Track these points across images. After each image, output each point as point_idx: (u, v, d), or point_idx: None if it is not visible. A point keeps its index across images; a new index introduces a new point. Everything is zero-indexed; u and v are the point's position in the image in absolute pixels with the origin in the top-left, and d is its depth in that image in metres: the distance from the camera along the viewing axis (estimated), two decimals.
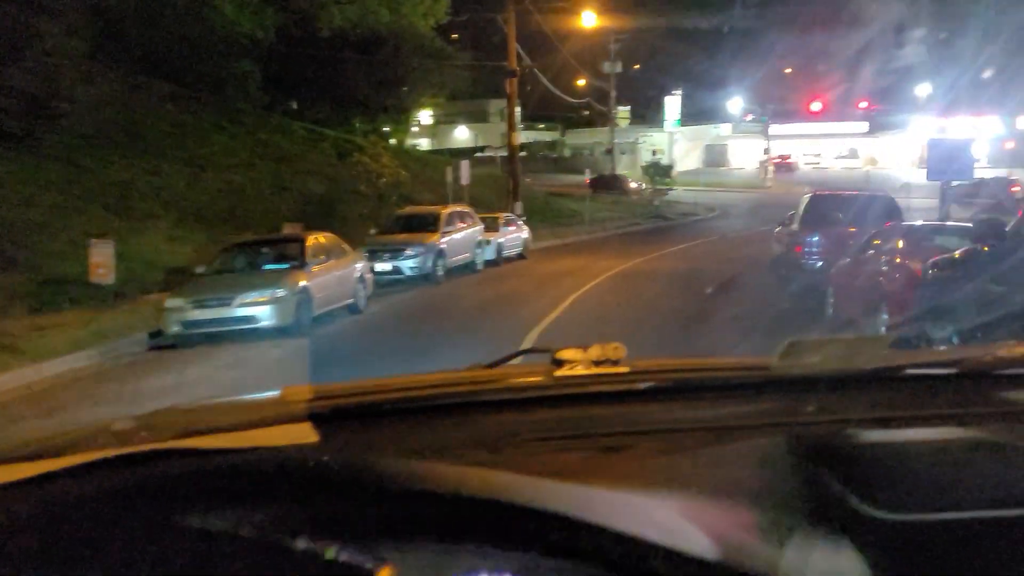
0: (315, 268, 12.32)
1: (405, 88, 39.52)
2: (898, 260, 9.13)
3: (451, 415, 1.26)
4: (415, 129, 72.13)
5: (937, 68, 56.52)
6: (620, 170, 59.41)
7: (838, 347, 1.43)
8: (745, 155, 66.09)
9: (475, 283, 18.25)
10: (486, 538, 0.78)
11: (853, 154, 63.44)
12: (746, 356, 1.83)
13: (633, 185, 49.65)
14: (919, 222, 12.32)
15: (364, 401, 1.32)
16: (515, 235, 22.88)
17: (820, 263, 13.89)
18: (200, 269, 12.35)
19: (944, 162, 14.96)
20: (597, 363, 1.37)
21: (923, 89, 58.56)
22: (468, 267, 19.45)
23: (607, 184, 49.14)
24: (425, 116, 74.50)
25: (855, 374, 1.33)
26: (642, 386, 1.37)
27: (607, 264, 19.95)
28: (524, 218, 25.37)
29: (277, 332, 11.20)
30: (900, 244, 9.80)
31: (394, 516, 0.79)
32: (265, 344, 11.06)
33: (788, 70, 62.45)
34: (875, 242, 10.80)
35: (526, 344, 8.81)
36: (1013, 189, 36.73)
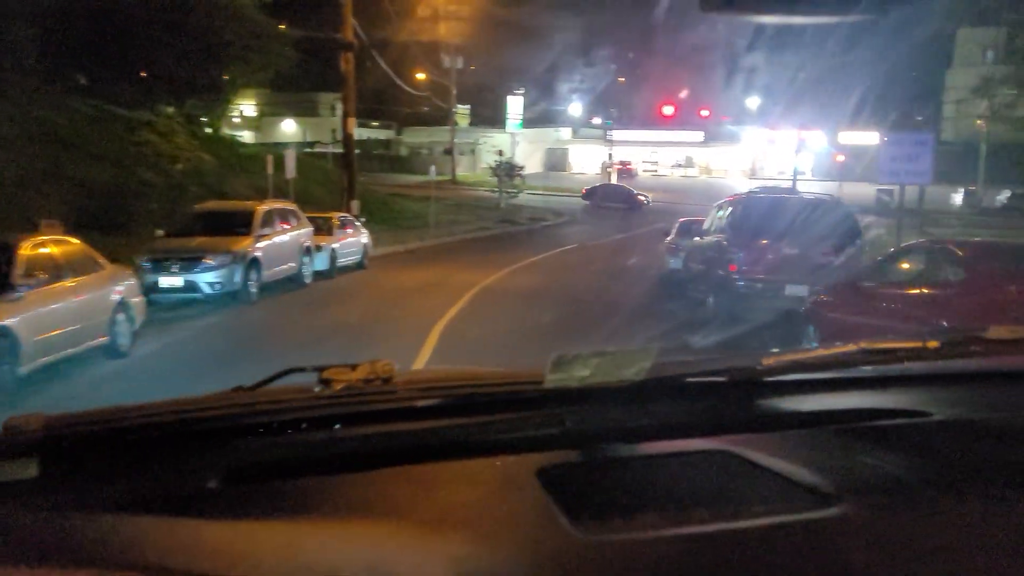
0: (33, 295, 7.48)
1: (226, 77, 33.87)
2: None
3: (198, 441, 1.19)
4: (237, 120, 65.45)
5: (771, 83, 56.68)
6: (460, 172, 55.73)
7: (607, 359, 1.30)
8: (585, 160, 64.00)
9: (302, 304, 13.68)
10: None
11: (689, 163, 62.82)
12: (519, 369, 1.45)
13: (641, 198, 42.89)
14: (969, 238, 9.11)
15: (99, 430, 1.18)
16: (352, 240, 18.37)
17: (761, 286, 10.44)
18: None
19: (899, 162, 11.97)
20: (366, 382, 1.31)
21: (754, 102, 58.61)
22: (293, 281, 14.83)
23: (610, 195, 41.98)
24: (249, 109, 68.15)
25: (623, 386, 1.28)
26: (408, 404, 1.32)
27: (467, 278, 15.92)
28: (363, 220, 20.91)
29: None
30: (967, 276, 6.32)
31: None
32: None
33: (622, 80, 61.05)
34: (897, 265, 7.33)
35: None
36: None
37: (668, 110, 33.92)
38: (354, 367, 1.32)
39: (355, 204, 22.44)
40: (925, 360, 1.51)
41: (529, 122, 58.79)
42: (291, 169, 21.81)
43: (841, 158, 46.28)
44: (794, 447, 1.23)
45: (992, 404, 1.48)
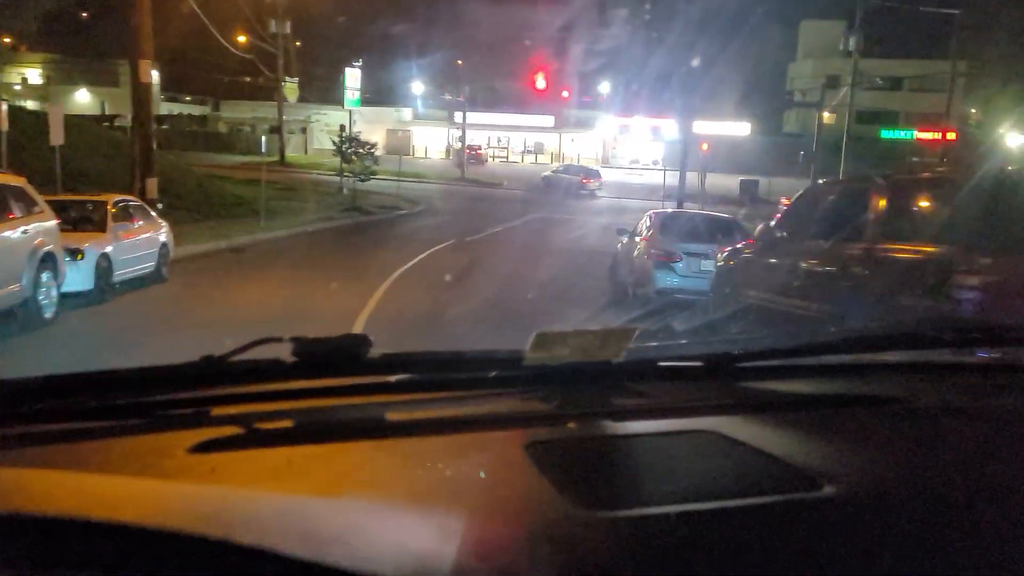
0: None
1: None
2: None
3: (166, 409, 1.16)
4: (18, 88, 54.20)
5: (623, 69, 52.93)
6: (290, 153, 47.96)
7: (587, 339, 1.27)
8: (430, 143, 57.74)
9: (16, 371, 6.83)
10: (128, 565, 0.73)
11: (539, 148, 57.95)
12: (498, 348, 1.36)
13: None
14: None
15: (58, 396, 1.14)
16: (143, 238, 11.40)
17: None
18: None
19: None
20: (343, 354, 1.24)
21: (606, 87, 54.59)
22: (12, 317, 7.90)
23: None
24: (35, 75, 56.95)
25: (602, 366, 1.27)
26: (389, 379, 1.29)
27: (336, 304, 9.63)
28: (162, 205, 13.92)
29: None
30: None
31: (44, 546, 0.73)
32: None
33: (460, 62, 55.31)
34: None
35: None
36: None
37: (540, 83, 28.60)
38: (330, 339, 1.23)
39: (152, 183, 15.29)
40: (900, 349, 1.50)
41: (368, 101, 51.77)
42: (57, 133, 14.52)
43: (705, 147, 42.84)
44: (778, 429, 1.18)
45: (965, 393, 1.44)
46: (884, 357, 1.53)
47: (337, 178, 31.13)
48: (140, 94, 15.77)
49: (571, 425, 1.16)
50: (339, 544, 0.77)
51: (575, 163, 48.25)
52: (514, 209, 31.06)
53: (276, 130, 46.03)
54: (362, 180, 28.35)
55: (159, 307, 10.14)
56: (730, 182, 44.52)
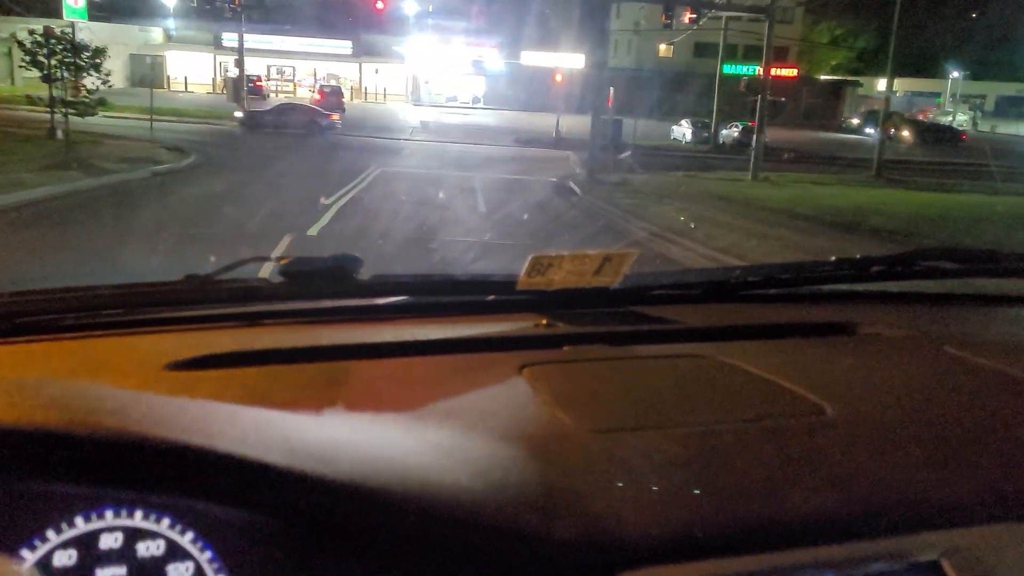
0: None
1: None
2: None
3: (148, 327, 1.10)
4: None
5: None
6: None
7: (583, 264, 1.21)
8: (191, 73, 43.94)
9: None
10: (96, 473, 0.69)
11: (332, 81, 45.99)
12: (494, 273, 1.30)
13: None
14: None
15: (39, 313, 1.08)
16: None
17: None
18: None
19: None
20: (333, 276, 1.17)
21: (413, 7, 43.68)
22: None
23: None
24: None
25: (599, 292, 1.22)
26: (379, 302, 1.24)
27: None
28: None
29: None
30: None
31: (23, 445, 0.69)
32: None
33: None
34: None
35: None
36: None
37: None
38: (320, 259, 1.16)
39: None
40: (898, 279, 1.48)
41: (102, 15, 37.28)
42: None
43: (560, 78, 33.87)
44: (776, 355, 1.15)
45: (963, 323, 1.42)
46: (883, 287, 1.50)
47: (49, 115, 18.61)
48: None
49: (567, 348, 1.12)
50: (326, 458, 0.72)
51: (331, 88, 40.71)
52: (334, 158, 20.53)
53: None
54: (80, 115, 16.29)
55: None
56: (576, 123, 35.88)
